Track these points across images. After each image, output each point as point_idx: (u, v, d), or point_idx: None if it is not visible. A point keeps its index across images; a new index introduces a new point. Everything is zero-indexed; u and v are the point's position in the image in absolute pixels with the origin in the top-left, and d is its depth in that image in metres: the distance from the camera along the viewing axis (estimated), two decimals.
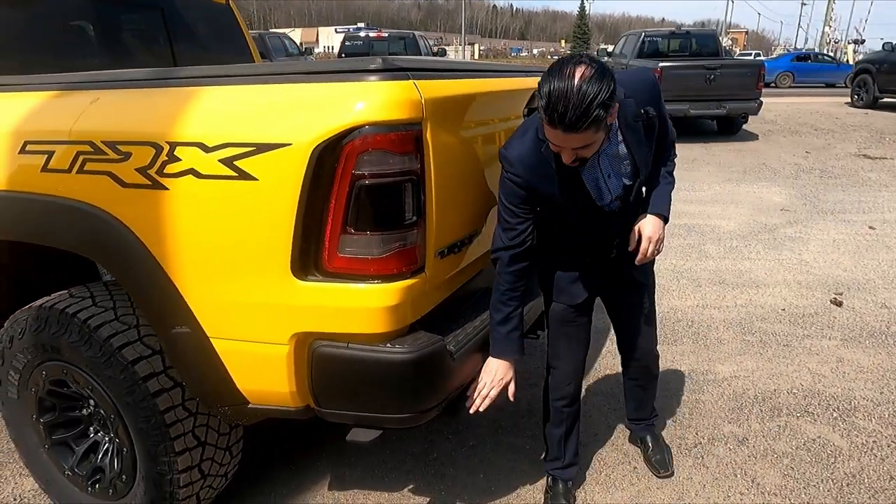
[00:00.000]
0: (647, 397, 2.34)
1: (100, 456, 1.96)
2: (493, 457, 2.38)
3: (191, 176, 1.46)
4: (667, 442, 2.43)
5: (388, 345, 1.50)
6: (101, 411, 1.84)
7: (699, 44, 11.48)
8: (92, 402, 1.88)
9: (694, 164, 8.44)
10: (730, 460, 2.33)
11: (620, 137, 1.69)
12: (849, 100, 14.95)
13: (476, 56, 63.32)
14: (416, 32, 14.36)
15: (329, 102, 1.39)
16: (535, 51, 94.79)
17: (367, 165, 1.38)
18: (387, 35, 13.74)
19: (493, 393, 1.79)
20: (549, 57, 69.24)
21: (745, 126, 10.90)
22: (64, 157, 1.59)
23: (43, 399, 1.95)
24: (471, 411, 1.78)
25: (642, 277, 2.10)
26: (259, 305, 1.52)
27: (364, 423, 1.64)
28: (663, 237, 1.88)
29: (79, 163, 1.57)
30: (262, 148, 1.40)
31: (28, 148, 1.65)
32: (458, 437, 2.50)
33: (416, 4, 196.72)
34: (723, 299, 3.93)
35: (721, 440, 2.46)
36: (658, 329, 3.60)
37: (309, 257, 1.46)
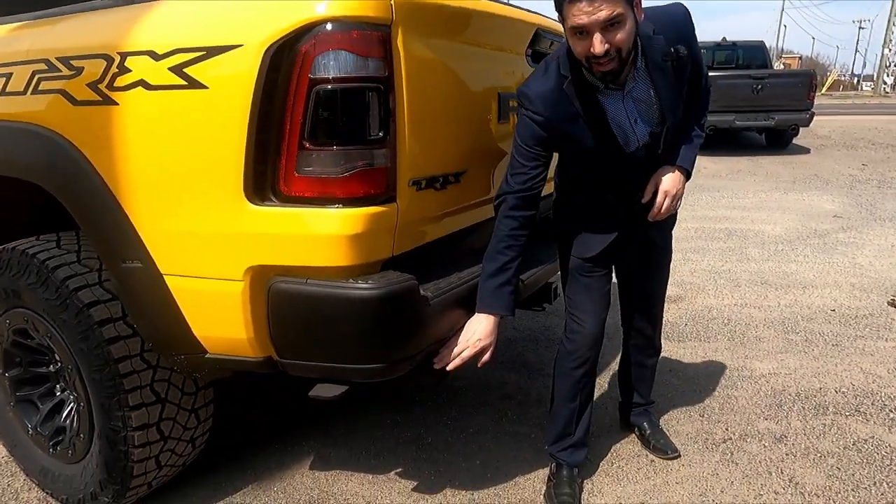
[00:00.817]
0: (646, 377, 2.15)
1: (63, 415, 1.84)
2: (494, 445, 2.15)
3: (140, 88, 1.34)
4: (690, 435, 2.15)
5: (352, 280, 1.32)
6: (61, 363, 1.71)
7: (746, 56, 11.04)
8: (56, 356, 1.76)
9: (738, 174, 8.04)
10: (764, 457, 2.03)
11: (649, 80, 1.55)
12: None
13: None
14: None
15: None
16: None
17: (326, 69, 1.22)
18: None
19: (467, 353, 1.58)
20: None
21: (795, 139, 10.36)
22: (20, 77, 1.50)
23: (8, 351, 1.85)
24: (436, 366, 1.57)
25: (661, 240, 1.92)
26: (212, 235, 1.37)
27: (329, 376, 1.46)
28: (681, 193, 1.72)
29: (34, 83, 1.48)
30: (211, 52, 1.26)
31: None
32: (456, 424, 2.28)
33: None
34: (764, 299, 3.59)
35: (755, 437, 2.16)
36: (685, 323, 3.35)
37: (265, 180, 1.31)
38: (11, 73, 1.52)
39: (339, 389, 1.46)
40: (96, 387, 1.60)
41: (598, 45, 1.37)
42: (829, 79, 44.56)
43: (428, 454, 2.10)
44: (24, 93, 1.50)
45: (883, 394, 2.45)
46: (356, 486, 1.93)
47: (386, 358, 1.38)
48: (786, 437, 2.16)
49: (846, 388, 2.51)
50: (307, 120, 1.25)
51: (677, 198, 1.71)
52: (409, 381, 2.63)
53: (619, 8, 1.36)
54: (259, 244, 1.33)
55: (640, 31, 1.48)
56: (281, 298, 1.35)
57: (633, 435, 2.19)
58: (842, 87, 48.38)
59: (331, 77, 1.23)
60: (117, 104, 1.37)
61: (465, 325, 1.58)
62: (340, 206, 1.28)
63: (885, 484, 1.88)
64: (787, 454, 2.05)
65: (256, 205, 1.31)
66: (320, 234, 1.29)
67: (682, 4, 1.61)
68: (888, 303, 3.49)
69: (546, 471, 1.97)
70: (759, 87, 9.01)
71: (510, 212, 1.61)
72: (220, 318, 1.43)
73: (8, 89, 1.53)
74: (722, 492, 1.87)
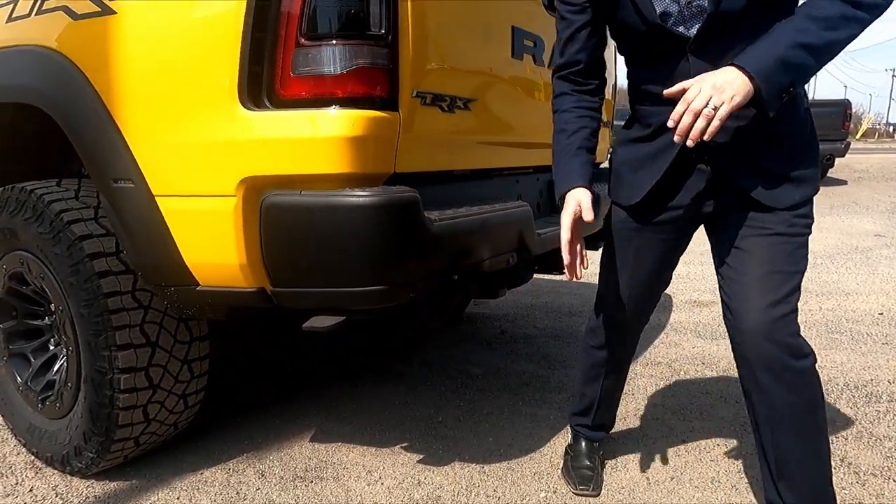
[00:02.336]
0: (771, 443, 1.25)
1: (54, 369, 1.75)
2: (509, 425, 1.98)
3: None
4: (727, 419, 1.96)
5: (348, 189, 1.23)
6: (52, 305, 1.64)
7: None
8: (51, 305, 1.69)
9: None
10: None
11: None
12: None
13: None
14: None
15: None
16: None
17: None
18: None
19: (570, 223, 1.26)
20: None
21: (831, 172, 10.12)
22: (26, 1, 1.49)
23: (3, 301, 1.79)
24: (566, 276, 1.34)
25: (770, 199, 1.19)
26: (205, 146, 1.29)
27: (326, 304, 1.35)
28: (725, 106, 1.04)
29: (38, 4, 1.46)
30: None
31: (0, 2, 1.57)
32: (470, 406, 2.13)
33: None
34: (805, 304, 3.36)
35: None
36: (718, 324, 3.08)
37: (260, 82, 1.24)
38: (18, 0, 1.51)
39: (334, 321, 1.35)
40: (84, 324, 1.51)
41: None
42: (864, 125, 43.89)
43: (437, 430, 1.94)
44: (28, 15, 1.48)
45: None
46: (357, 457, 1.78)
47: (385, 278, 1.27)
48: (835, 421, 1.94)
49: None
50: (304, 13, 1.18)
51: (713, 114, 1.04)
52: (419, 363, 2.50)
53: None
54: (253, 153, 1.25)
55: None
56: (274, 212, 1.26)
57: (664, 417, 2.00)
58: (877, 134, 47.54)
59: None
60: (115, 13, 1.33)
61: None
62: (338, 106, 1.20)
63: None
64: (837, 437, 1.84)
65: (251, 110, 1.24)
66: (316, 137, 1.21)
67: None
68: None
69: (564, 447, 1.80)
70: None
71: (565, 87, 1.35)
72: (211, 242, 1.34)
73: (15, 15, 1.52)
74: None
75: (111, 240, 1.53)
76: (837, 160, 9.66)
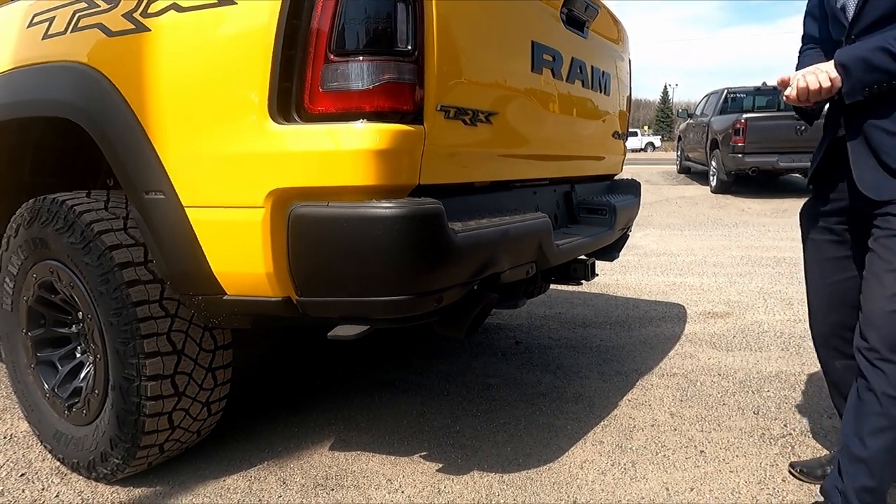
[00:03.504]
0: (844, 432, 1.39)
1: (81, 376, 1.79)
2: (526, 434, 1.99)
3: (172, 11, 1.35)
4: (745, 430, 1.96)
5: (374, 201, 1.26)
6: (80, 314, 1.68)
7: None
8: (79, 314, 1.73)
9: (784, 213, 7.80)
10: (831, 448, 1.82)
11: None
12: None
13: None
14: None
15: None
16: None
17: None
18: None
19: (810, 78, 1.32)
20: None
21: None
22: (62, 19, 1.54)
23: (32, 309, 1.83)
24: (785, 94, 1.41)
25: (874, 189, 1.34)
26: (235, 159, 1.33)
27: (351, 314, 1.37)
28: (821, 87, 1.30)
29: (74, 21, 1.51)
30: None
31: (35, 20, 1.62)
32: (487, 416, 2.14)
33: None
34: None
35: (818, 433, 1.95)
36: (733, 335, 3.09)
37: (290, 97, 1.28)
38: (54, 17, 1.56)
39: (359, 329, 1.37)
40: (113, 332, 1.55)
41: None
42: None
43: (455, 440, 1.96)
44: (64, 33, 1.53)
45: None
46: (377, 466, 1.80)
47: (410, 288, 1.29)
48: None
49: None
50: (334, 30, 1.22)
51: (810, 86, 1.30)
52: (435, 375, 2.51)
53: None
54: (282, 165, 1.29)
55: None
56: (301, 224, 1.29)
57: (681, 429, 2.00)
58: None
59: None
60: (150, 30, 1.38)
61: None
62: (365, 120, 1.24)
63: None
64: None
65: (280, 124, 1.28)
66: (344, 150, 1.24)
67: None
68: None
69: (581, 457, 1.81)
70: (803, 127, 8.81)
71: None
72: (239, 252, 1.37)
73: (50, 32, 1.56)
74: (784, 481, 1.66)
75: (140, 249, 1.57)
76: None
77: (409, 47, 1.25)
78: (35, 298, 1.81)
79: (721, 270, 4.62)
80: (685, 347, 2.89)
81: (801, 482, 1.66)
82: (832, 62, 1.34)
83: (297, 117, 1.28)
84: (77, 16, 1.50)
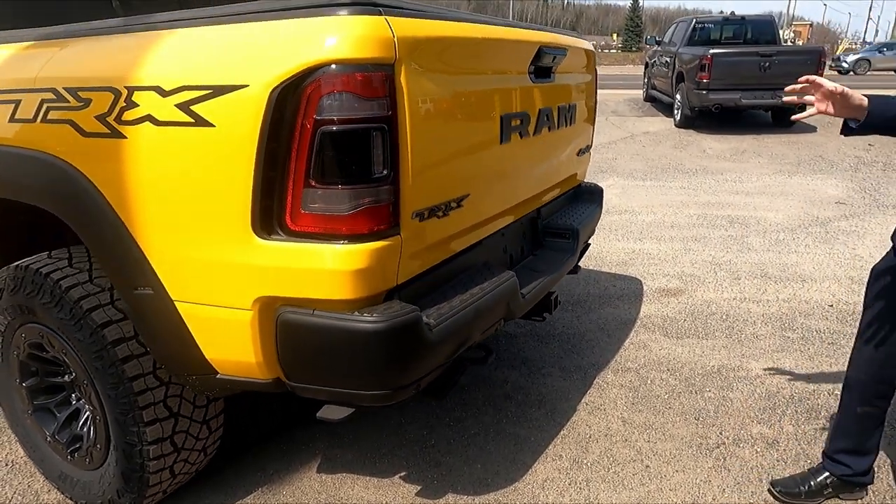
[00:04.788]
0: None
1: (80, 424, 1.90)
2: (494, 447, 2.22)
3: (148, 123, 1.36)
4: (686, 440, 2.22)
5: (357, 313, 1.36)
6: (76, 375, 1.77)
7: (755, 31, 10.85)
8: (70, 368, 1.82)
9: (743, 155, 8.00)
10: (755, 464, 2.10)
11: None
12: None
13: None
14: None
15: (289, 40, 1.25)
16: None
17: (330, 110, 1.24)
18: None
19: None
20: (600, 51, 67.62)
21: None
22: (29, 105, 1.52)
23: (24, 363, 1.91)
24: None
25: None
26: (221, 266, 1.40)
27: (337, 399, 1.51)
28: (823, 89, 1.53)
29: (42, 111, 1.50)
30: (218, 91, 1.28)
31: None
32: (459, 425, 2.35)
33: None
34: (763, 293, 3.63)
35: (747, 441, 2.23)
36: (683, 319, 3.37)
37: (271, 214, 1.34)
38: (20, 101, 1.54)
39: (345, 412, 1.52)
40: (111, 403, 1.66)
41: None
42: (841, 47, 43.65)
43: (431, 457, 2.17)
44: (33, 120, 1.52)
45: None
46: (361, 491, 2.01)
47: (390, 385, 1.43)
48: (777, 442, 2.22)
49: (839, 391, 2.56)
50: (312, 159, 1.27)
51: (815, 84, 1.54)
52: None
53: None
54: (267, 276, 1.37)
55: None
56: (289, 328, 1.40)
57: (631, 438, 2.25)
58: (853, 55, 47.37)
59: (336, 118, 1.25)
60: (126, 137, 1.39)
61: None
62: (346, 241, 1.32)
63: (871, 493, 1.95)
64: (778, 460, 2.12)
65: (264, 239, 1.35)
66: (326, 269, 1.33)
67: None
68: None
69: (543, 475, 2.05)
70: (767, 64, 8.88)
71: None
72: (230, 344, 1.48)
73: (17, 116, 1.55)
74: (714, 499, 1.94)
75: (129, 323, 1.65)
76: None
77: (386, 171, 1.31)
78: (26, 355, 1.88)
79: (677, 234, 4.84)
80: (640, 335, 3.13)
81: None
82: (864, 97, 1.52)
83: (279, 231, 1.35)
84: (46, 106, 1.49)
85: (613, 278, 3.94)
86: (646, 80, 13.24)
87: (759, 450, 2.18)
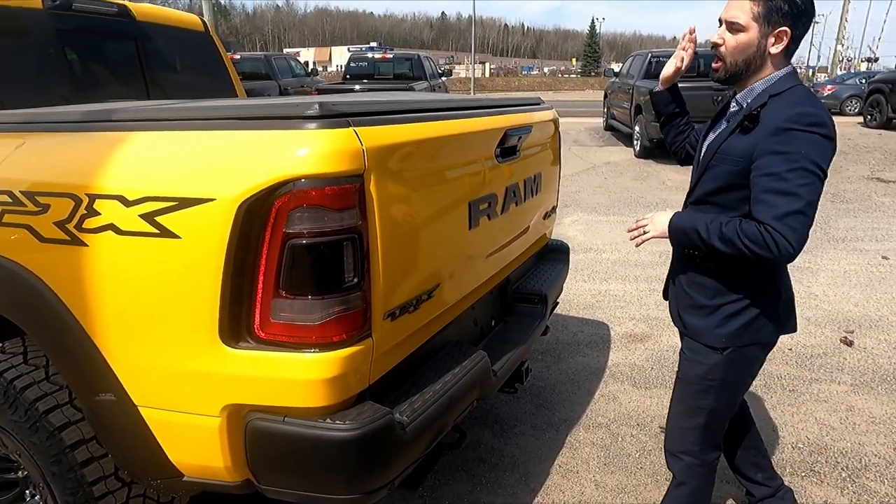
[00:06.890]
0: None
1: None
2: None
3: (110, 232, 1.33)
4: None
5: (329, 420, 1.34)
6: (32, 487, 1.69)
7: (708, 64, 11.24)
8: (27, 477, 1.73)
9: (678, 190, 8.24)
10: None
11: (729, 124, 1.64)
12: (861, 120, 14.67)
13: (486, 74, 63.70)
14: (421, 53, 14.28)
15: (256, 153, 1.25)
16: (545, 69, 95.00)
17: (300, 223, 1.24)
18: (392, 56, 13.71)
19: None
20: (559, 76, 69.30)
21: None
22: None
23: None
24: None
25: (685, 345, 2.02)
26: (187, 373, 1.37)
27: (308, 502, 1.48)
28: (648, 235, 1.72)
29: None
30: (184, 203, 1.26)
31: None
32: (433, 494, 2.33)
33: (428, 24, 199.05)
34: None
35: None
36: (651, 367, 3.43)
37: (240, 323, 1.32)
38: None
39: None
40: None
41: (716, 34, 1.57)
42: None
43: None
44: None
45: (835, 449, 2.58)
46: None
47: (363, 489, 1.41)
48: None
49: (802, 442, 2.63)
50: (282, 270, 1.26)
51: (642, 234, 1.72)
52: None
53: (741, 19, 1.51)
54: (235, 384, 1.34)
55: (772, 86, 1.54)
56: (259, 436, 1.36)
57: (600, 500, 2.26)
58: None
59: (305, 231, 1.24)
60: (87, 245, 1.35)
61: None
62: (317, 350, 1.30)
63: (871, 493, 2.00)
64: None
65: (232, 347, 1.32)
66: (296, 379, 1.31)
67: (818, 125, 1.43)
68: (841, 340, 3.66)
69: None
70: (720, 98, 9.22)
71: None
72: (197, 448, 1.43)
73: None
74: None
75: (88, 424, 1.59)
76: None
77: (356, 279, 1.31)
78: None
79: (641, 273, 4.94)
80: (609, 386, 3.17)
81: None
82: (663, 216, 1.66)
83: (248, 339, 1.33)
84: (1, 209, 1.44)
85: (581, 323, 3.98)
86: (605, 109, 13.61)
87: None
